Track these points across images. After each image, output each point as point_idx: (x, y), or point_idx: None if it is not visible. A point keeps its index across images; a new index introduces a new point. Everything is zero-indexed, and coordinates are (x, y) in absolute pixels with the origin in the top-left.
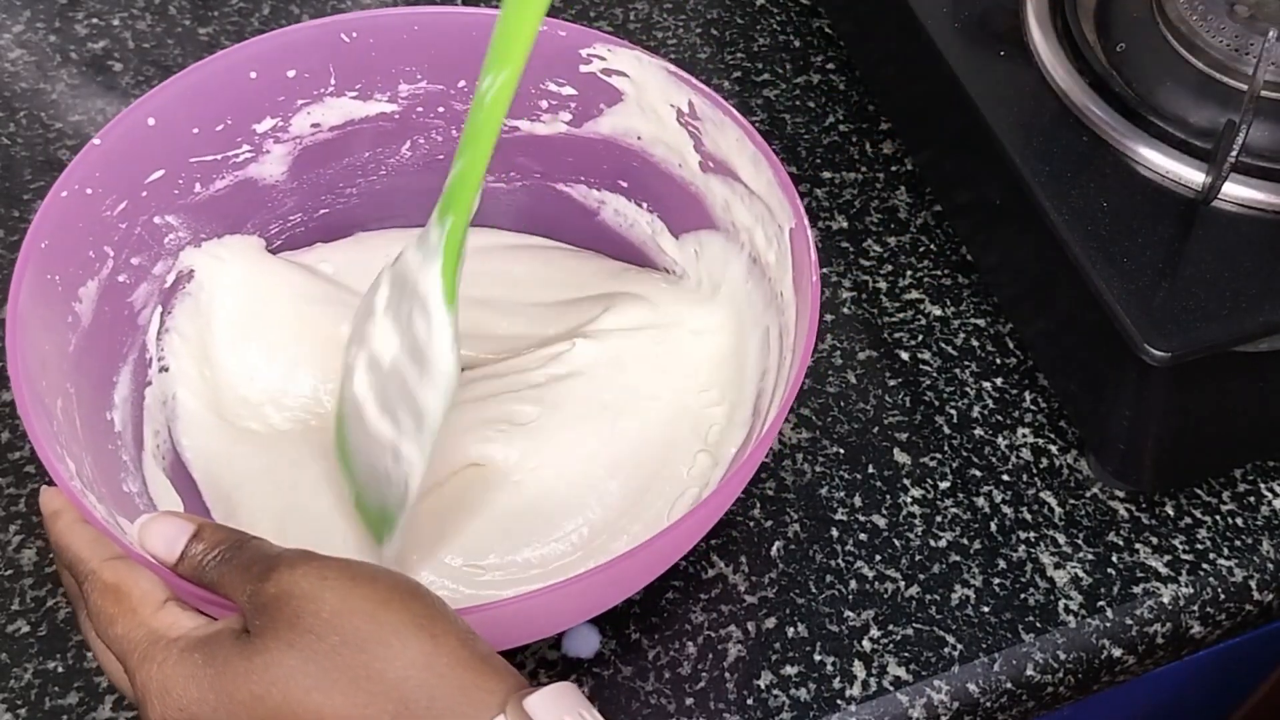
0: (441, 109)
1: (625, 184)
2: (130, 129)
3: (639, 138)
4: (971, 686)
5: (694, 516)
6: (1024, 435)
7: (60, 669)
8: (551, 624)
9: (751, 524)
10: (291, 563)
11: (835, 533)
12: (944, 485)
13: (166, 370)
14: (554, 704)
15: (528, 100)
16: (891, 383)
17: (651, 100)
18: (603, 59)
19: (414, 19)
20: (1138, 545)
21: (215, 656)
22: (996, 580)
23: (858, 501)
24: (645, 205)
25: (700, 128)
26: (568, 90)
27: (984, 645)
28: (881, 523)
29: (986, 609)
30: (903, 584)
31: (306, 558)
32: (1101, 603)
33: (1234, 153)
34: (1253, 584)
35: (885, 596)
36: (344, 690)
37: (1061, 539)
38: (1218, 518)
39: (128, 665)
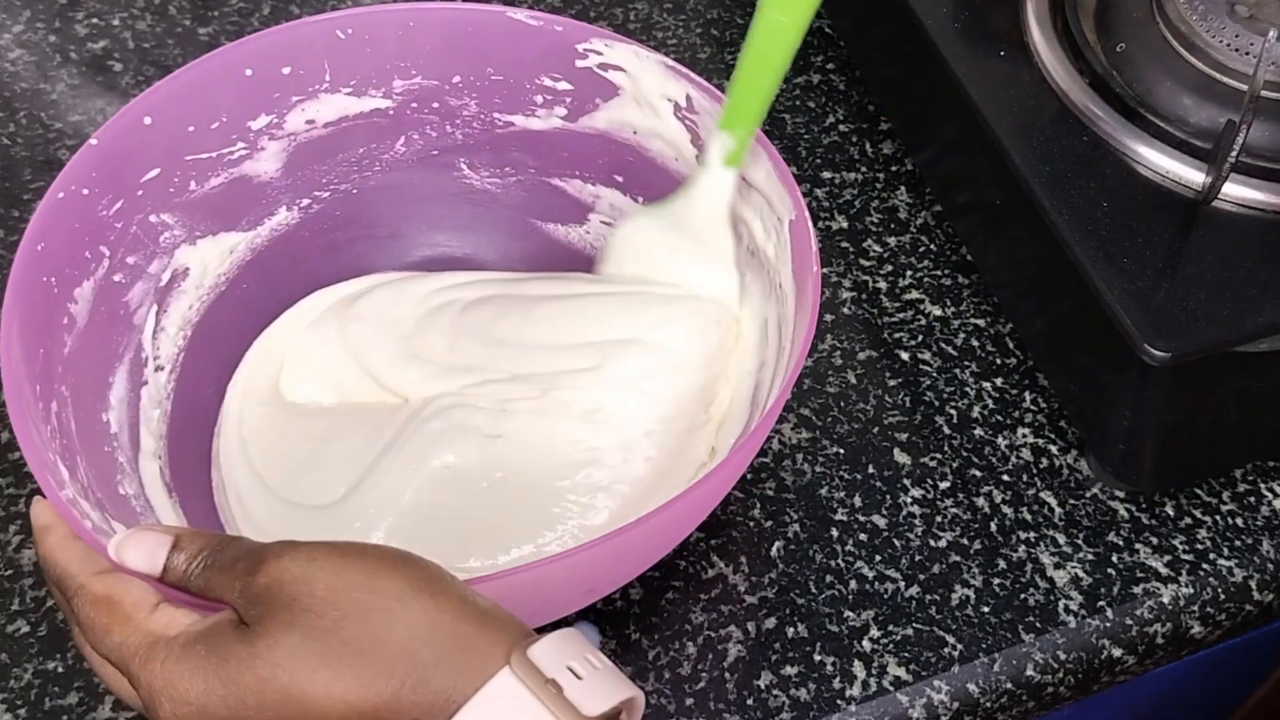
0: (436, 104)
1: (621, 178)
2: (126, 128)
3: (634, 132)
4: (971, 686)
5: (694, 493)
6: (1024, 435)
7: (60, 669)
8: (547, 605)
9: (751, 524)
10: (278, 552)
11: (835, 533)
12: (944, 485)
13: (162, 369)
14: (558, 651)
15: (522, 95)
16: (891, 383)
17: (648, 94)
18: (599, 54)
19: (409, 15)
20: (1138, 545)
21: (217, 646)
22: (996, 580)
23: (858, 501)
24: (641, 199)
25: (698, 121)
26: (563, 85)
27: (984, 645)
28: (881, 523)
29: (986, 609)
30: (903, 584)
31: (291, 546)
32: (1101, 603)
33: (1234, 153)
34: (1253, 584)
35: (885, 596)
36: (351, 664)
37: (1061, 539)
38: (1218, 518)
39: (129, 671)
